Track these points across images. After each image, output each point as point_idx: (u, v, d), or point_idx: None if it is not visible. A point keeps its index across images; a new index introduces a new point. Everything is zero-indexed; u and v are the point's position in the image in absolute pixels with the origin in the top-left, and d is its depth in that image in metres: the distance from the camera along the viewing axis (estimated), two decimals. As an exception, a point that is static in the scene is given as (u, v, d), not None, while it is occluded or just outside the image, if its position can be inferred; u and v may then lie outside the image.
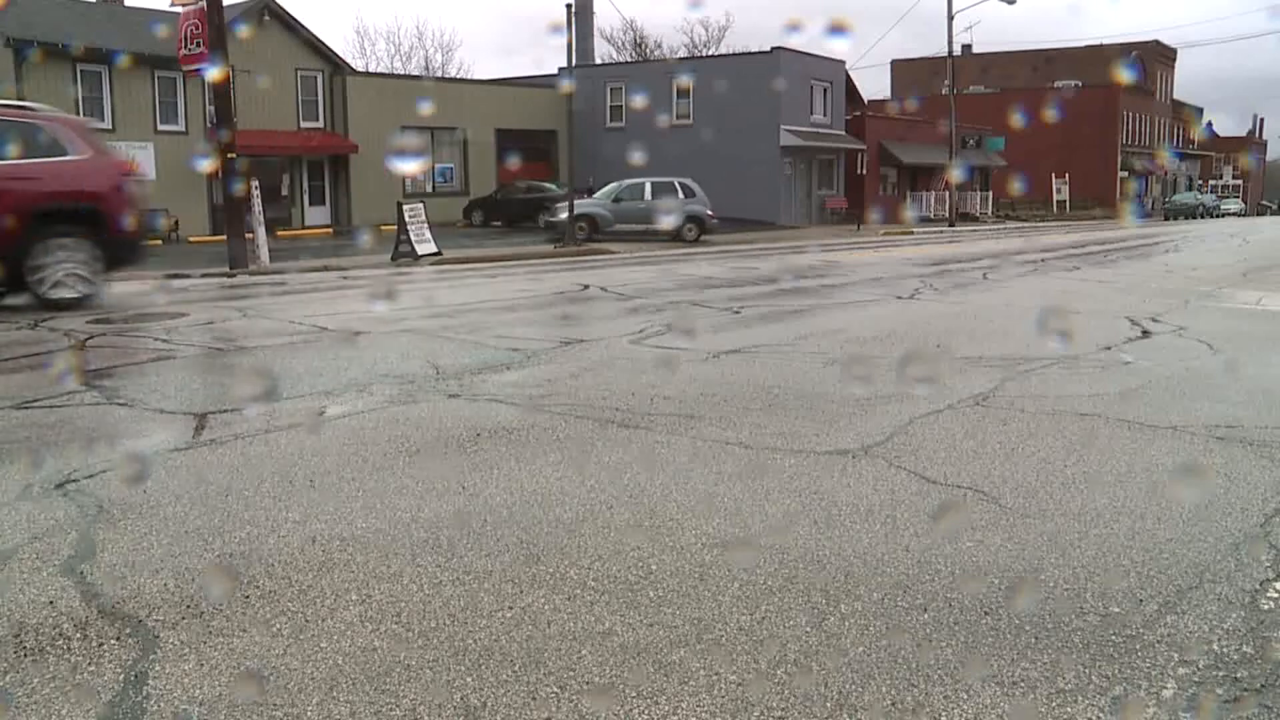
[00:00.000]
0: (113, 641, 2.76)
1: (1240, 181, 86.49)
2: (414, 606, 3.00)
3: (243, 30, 28.09)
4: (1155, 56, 72.44)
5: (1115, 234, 31.35)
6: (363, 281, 15.06)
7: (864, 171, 45.39)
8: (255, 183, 18.25)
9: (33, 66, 25.16)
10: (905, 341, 8.18)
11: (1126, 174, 65.86)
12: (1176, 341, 8.22)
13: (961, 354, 7.39)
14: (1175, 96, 79.56)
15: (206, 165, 24.70)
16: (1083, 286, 13.40)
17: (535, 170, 37.02)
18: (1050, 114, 55.90)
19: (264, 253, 17.82)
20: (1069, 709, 2.48)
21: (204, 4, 17.26)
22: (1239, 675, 2.66)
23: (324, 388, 6.11)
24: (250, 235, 17.71)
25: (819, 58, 39.47)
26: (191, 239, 27.59)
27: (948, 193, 46.04)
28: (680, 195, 27.29)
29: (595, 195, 27.91)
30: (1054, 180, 57.00)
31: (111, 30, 27.93)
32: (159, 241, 26.53)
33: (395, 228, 20.14)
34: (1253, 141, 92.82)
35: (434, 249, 19.59)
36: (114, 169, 10.98)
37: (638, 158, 33.33)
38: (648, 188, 27.64)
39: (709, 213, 26.97)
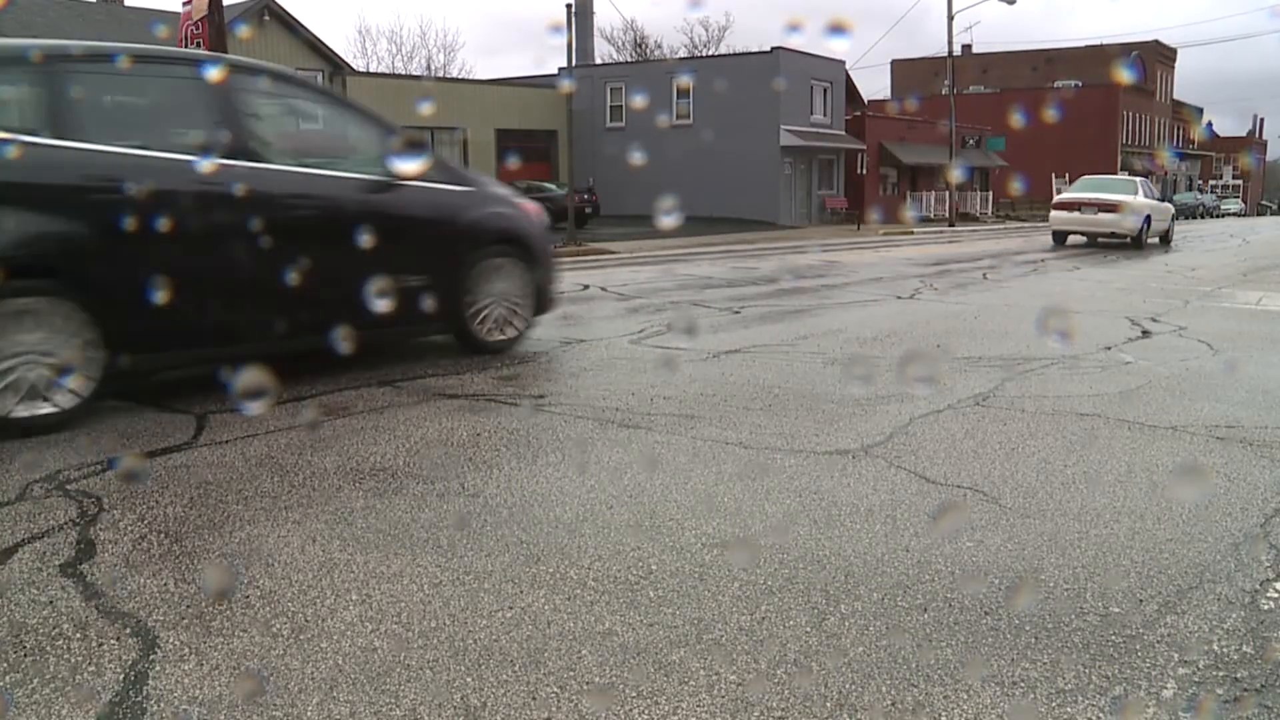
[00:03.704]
0: (113, 641, 2.76)
1: (1240, 181, 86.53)
2: (414, 606, 3.00)
3: (243, 30, 28.12)
4: (1155, 56, 72.46)
5: (1115, 234, 31.33)
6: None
7: (864, 171, 45.40)
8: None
9: (33, 66, 25.17)
10: (905, 341, 8.18)
11: (1126, 174, 65.97)
12: (1176, 341, 8.23)
13: (961, 354, 7.39)
14: (1175, 96, 79.59)
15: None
16: (1083, 286, 13.40)
17: (535, 170, 37.05)
18: (1050, 114, 55.98)
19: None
20: (1069, 709, 2.48)
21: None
22: (1239, 675, 2.66)
23: (324, 388, 6.11)
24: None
25: (819, 58, 39.48)
26: (191, 239, 27.61)
27: (948, 193, 46.05)
28: None
29: None
30: (1054, 180, 57.03)
31: (111, 30, 27.94)
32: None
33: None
34: (1253, 141, 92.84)
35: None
36: None
37: (637, 158, 33.35)
38: None
39: None
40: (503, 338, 7.21)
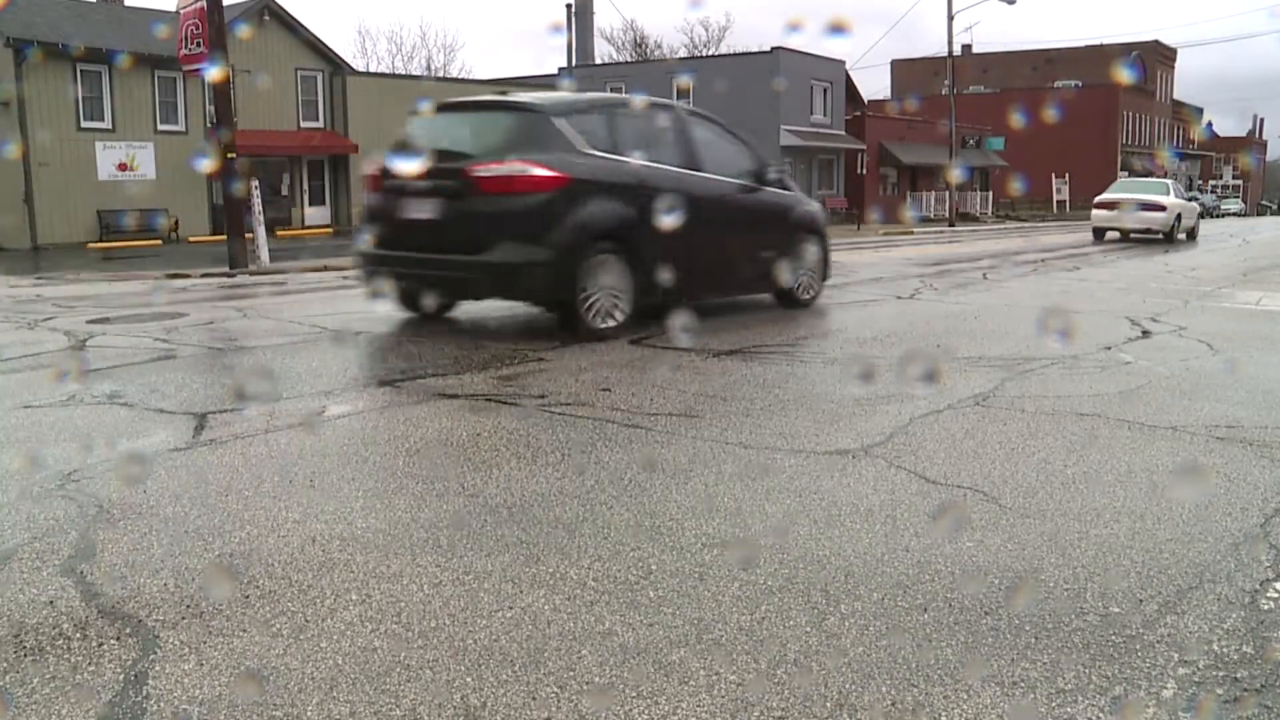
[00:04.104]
0: (113, 641, 2.77)
1: (1240, 181, 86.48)
2: (414, 606, 3.00)
3: (243, 30, 28.11)
4: (1155, 56, 72.46)
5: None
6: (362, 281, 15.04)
7: (864, 171, 45.40)
8: (255, 183, 18.25)
9: (33, 66, 25.17)
10: (905, 341, 8.18)
11: (1126, 174, 65.93)
12: (1176, 341, 8.22)
13: (961, 354, 7.39)
14: (1175, 96, 79.58)
15: (206, 165, 24.73)
16: (1083, 286, 13.40)
17: (535, 170, 36.97)
18: (1050, 114, 55.95)
19: (264, 253, 17.82)
20: (1069, 709, 2.48)
21: (204, 4, 17.26)
22: (1239, 675, 2.66)
23: (324, 388, 6.11)
24: (250, 235, 17.71)
25: (819, 58, 39.49)
26: (191, 239, 27.61)
27: (948, 193, 46.03)
28: None
29: None
30: (1054, 180, 57.02)
31: (111, 30, 27.93)
32: (159, 242, 26.55)
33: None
34: (1253, 141, 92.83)
35: (434, 249, 19.55)
36: None
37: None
38: None
39: None
40: (809, 297, 10.12)
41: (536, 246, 7.48)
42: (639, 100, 9.31)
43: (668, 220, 7.84)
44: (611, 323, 7.80)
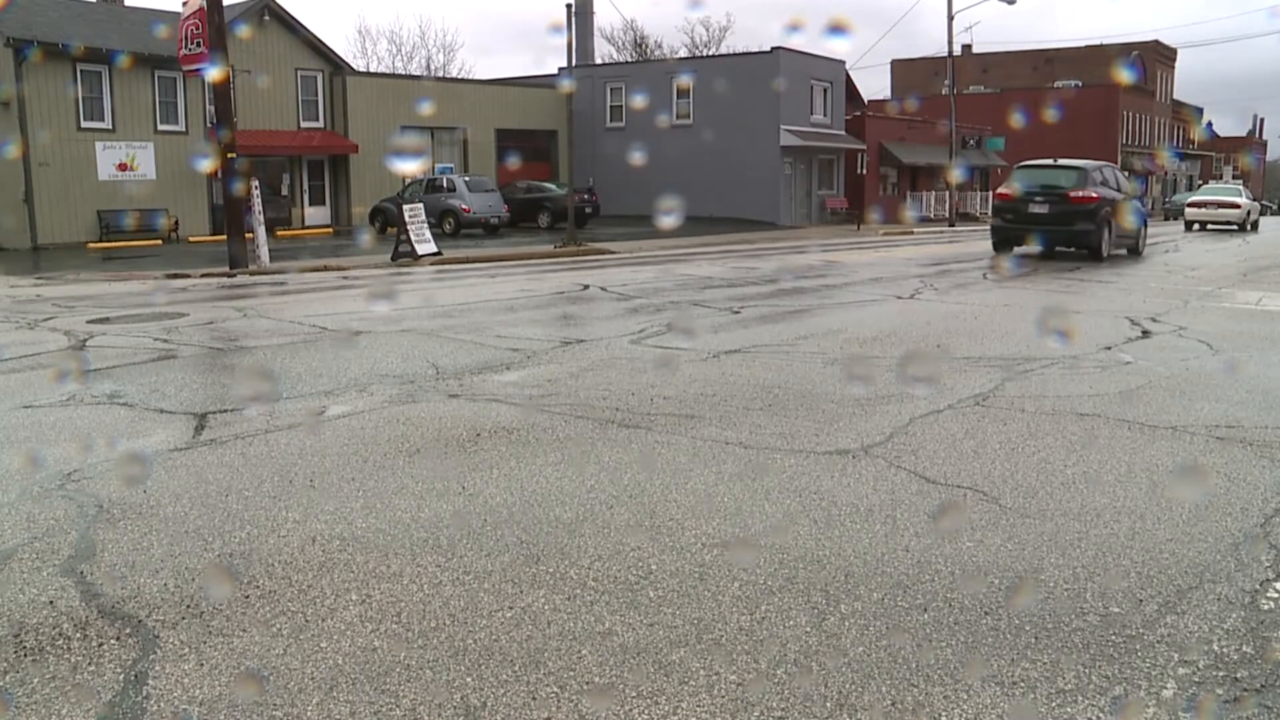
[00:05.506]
0: (113, 641, 2.77)
1: (1240, 182, 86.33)
2: (414, 606, 3.00)
3: (243, 30, 28.08)
4: (1155, 56, 72.38)
5: (1115, 234, 31.43)
6: (363, 281, 15.07)
7: (864, 171, 45.34)
8: (255, 183, 18.23)
9: (33, 66, 25.15)
10: (905, 341, 8.18)
11: (1127, 174, 65.75)
12: (1176, 341, 8.22)
13: (961, 354, 7.39)
14: (1175, 96, 79.47)
15: (206, 165, 24.68)
16: (1083, 286, 13.40)
17: (535, 170, 36.99)
18: (1050, 114, 55.83)
19: (264, 252, 17.82)
20: (1069, 709, 2.48)
21: (204, 4, 17.25)
22: (1239, 675, 2.66)
23: (324, 388, 6.11)
24: (250, 235, 17.70)
25: (819, 58, 39.43)
26: (191, 239, 27.59)
27: (948, 193, 46.03)
28: (444, 190, 29.31)
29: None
30: (1054, 180, 56.94)
31: (111, 30, 27.92)
32: (159, 242, 26.55)
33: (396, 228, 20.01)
34: (1253, 141, 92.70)
35: (434, 249, 19.58)
36: None
37: (637, 158, 33.32)
38: (424, 184, 30.24)
39: (464, 207, 28.56)
40: (1140, 250, 20.13)
41: (1093, 224, 17.49)
42: (1106, 164, 19.81)
43: (1114, 213, 17.93)
44: (1105, 254, 17.76)
